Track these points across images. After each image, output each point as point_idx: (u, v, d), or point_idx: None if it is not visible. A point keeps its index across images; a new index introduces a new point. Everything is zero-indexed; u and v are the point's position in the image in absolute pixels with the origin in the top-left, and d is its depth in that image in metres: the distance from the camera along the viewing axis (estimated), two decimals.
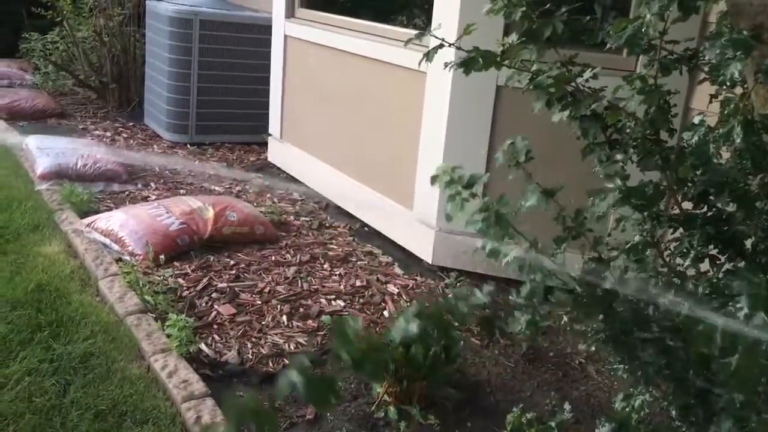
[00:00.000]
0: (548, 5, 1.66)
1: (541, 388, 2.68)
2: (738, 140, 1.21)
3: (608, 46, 1.49)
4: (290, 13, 4.72)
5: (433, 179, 1.39)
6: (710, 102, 1.68)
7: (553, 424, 1.63)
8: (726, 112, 1.31)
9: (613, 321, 1.53)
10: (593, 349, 1.55)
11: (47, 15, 6.45)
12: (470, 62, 1.48)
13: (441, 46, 1.57)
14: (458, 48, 1.56)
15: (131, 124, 6.08)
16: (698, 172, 1.42)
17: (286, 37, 4.76)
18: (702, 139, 1.29)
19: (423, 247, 3.57)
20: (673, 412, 1.68)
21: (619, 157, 1.68)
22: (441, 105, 3.35)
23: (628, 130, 1.69)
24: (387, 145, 3.90)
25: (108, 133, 5.73)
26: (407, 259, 3.69)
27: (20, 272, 2.97)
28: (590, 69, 1.57)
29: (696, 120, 1.37)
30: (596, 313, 1.54)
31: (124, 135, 5.79)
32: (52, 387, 2.27)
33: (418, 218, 3.57)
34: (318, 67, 4.49)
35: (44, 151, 4.44)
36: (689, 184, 1.61)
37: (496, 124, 3.25)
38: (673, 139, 1.62)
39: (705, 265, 1.68)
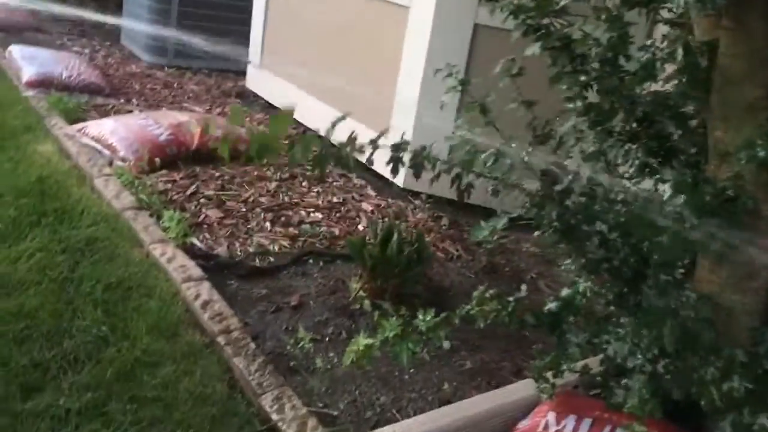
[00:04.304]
0: None
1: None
2: (679, 58, 1.52)
3: None
4: None
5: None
6: (663, 40, 2.00)
7: (511, 298, 1.97)
8: (672, 38, 1.61)
9: (565, 214, 1.85)
10: (546, 236, 1.87)
11: None
12: None
13: None
14: None
15: (108, 43, 6.15)
16: (644, 91, 1.73)
17: None
18: (650, 57, 1.60)
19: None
20: (611, 297, 2.03)
21: (582, 78, 1.98)
22: (421, 39, 3.59)
23: (591, 57, 1.99)
24: (367, 75, 4.13)
25: (86, 50, 5.79)
26: (379, 182, 3.97)
27: (20, 166, 3.16)
28: None
29: (648, 42, 1.67)
30: (551, 207, 1.86)
31: (102, 53, 5.87)
32: (62, 262, 2.51)
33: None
34: None
35: (28, 60, 4.53)
36: (639, 102, 1.92)
37: (471, 60, 3.52)
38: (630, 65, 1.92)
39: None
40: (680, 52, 1.52)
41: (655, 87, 1.93)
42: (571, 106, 1.99)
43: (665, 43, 1.73)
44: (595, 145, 2.02)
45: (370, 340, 1.84)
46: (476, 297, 2.00)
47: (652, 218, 1.59)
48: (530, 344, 2.63)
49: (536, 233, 1.98)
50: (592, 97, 1.98)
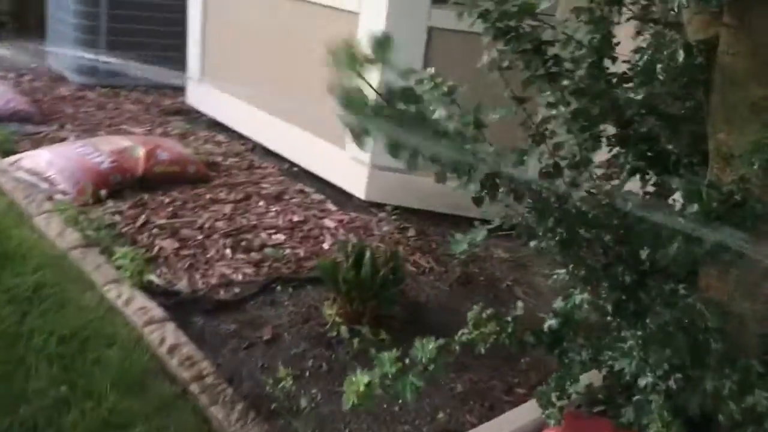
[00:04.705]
0: None
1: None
2: (681, 60, 1.43)
3: None
4: None
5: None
6: (636, 36, 1.92)
7: (509, 318, 1.85)
8: (668, 39, 1.52)
9: (565, 220, 1.75)
10: (544, 246, 1.76)
11: None
12: None
13: None
14: None
15: (33, 65, 5.78)
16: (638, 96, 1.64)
17: None
18: (649, 59, 1.50)
19: (356, 184, 3.71)
20: (609, 308, 1.93)
21: (565, 83, 1.88)
22: None
23: (568, 63, 1.90)
24: (318, 86, 3.96)
25: (10, 75, 5.43)
26: (338, 196, 3.82)
27: None
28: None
29: (644, 44, 1.58)
30: (551, 213, 1.75)
31: (27, 77, 5.51)
32: (9, 315, 2.27)
33: (351, 156, 3.69)
34: (242, 7, 4.45)
35: None
36: (626, 108, 1.84)
37: (428, 64, 3.39)
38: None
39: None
40: (680, 52, 1.43)
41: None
42: (554, 112, 1.90)
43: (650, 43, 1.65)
44: (574, 149, 1.93)
45: (367, 377, 1.69)
46: (472, 319, 1.88)
47: (656, 225, 1.50)
48: (517, 359, 2.54)
49: (531, 243, 1.86)
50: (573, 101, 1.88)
